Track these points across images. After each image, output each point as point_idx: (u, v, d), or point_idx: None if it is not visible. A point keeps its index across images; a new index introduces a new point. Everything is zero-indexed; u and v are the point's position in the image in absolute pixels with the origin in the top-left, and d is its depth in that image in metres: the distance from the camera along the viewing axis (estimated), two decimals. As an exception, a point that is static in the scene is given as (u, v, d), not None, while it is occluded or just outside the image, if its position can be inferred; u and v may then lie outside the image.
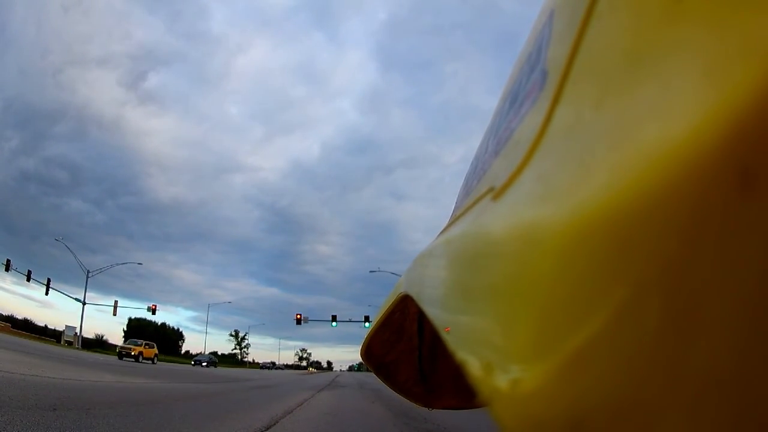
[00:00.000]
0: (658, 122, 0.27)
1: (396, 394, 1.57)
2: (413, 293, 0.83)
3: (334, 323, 34.62)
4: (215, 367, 38.40)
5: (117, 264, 40.60)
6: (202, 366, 35.22)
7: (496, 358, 0.34)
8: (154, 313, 37.86)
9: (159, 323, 66.23)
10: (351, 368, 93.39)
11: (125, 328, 59.97)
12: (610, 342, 0.26)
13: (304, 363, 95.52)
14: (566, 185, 0.33)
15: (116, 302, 37.28)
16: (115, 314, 37.52)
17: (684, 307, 0.24)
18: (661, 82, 0.28)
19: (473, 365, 0.37)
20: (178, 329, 71.45)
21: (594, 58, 0.38)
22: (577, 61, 0.39)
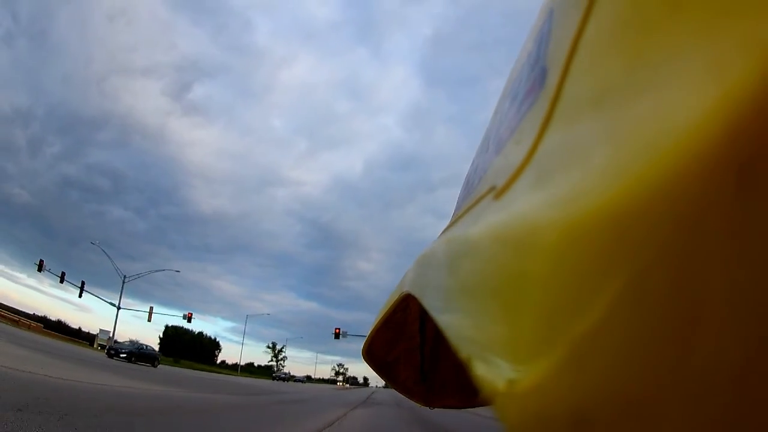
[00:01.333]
0: (657, 120, 0.27)
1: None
2: (415, 292, 0.84)
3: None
4: (153, 365, 24.52)
5: (154, 271, 39.66)
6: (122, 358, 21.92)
7: (499, 355, 0.34)
8: (189, 321, 36.26)
9: (196, 332, 66.58)
10: (387, 385, 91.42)
11: (161, 336, 60.85)
12: (612, 338, 0.27)
13: (340, 378, 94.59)
14: (567, 184, 0.33)
15: (151, 308, 36.01)
16: (150, 320, 35.67)
17: (683, 305, 0.24)
18: (659, 81, 0.28)
19: (476, 363, 0.37)
20: (214, 339, 71.49)
21: (593, 56, 0.38)
22: (576, 59, 0.39)
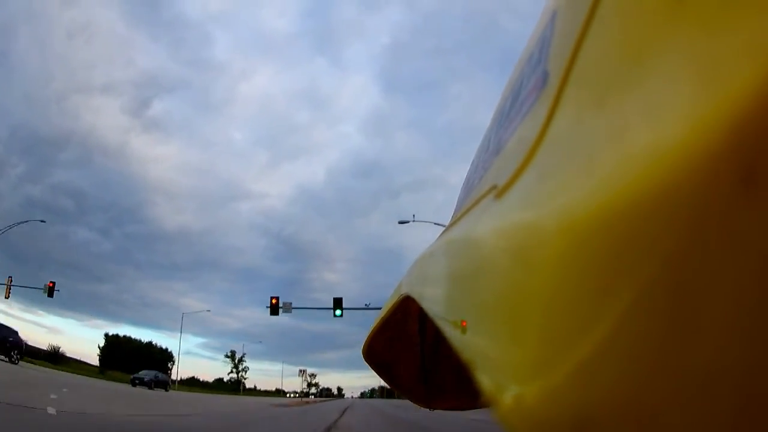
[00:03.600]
0: (659, 122, 0.27)
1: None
2: (415, 294, 0.83)
3: (338, 311, 21.63)
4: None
5: (17, 224, 28.52)
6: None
7: (502, 363, 0.34)
8: (51, 294, 24.42)
9: (144, 342, 57.50)
10: (363, 395, 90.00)
11: (100, 345, 51.41)
12: (617, 344, 0.26)
13: (313, 390, 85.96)
14: (570, 184, 0.33)
15: (10, 279, 24.09)
16: (7, 296, 23.87)
17: (689, 309, 0.24)
18: (662, 83, 0.28)
19: (479, 370, 0.37)
20: (166, 349, 60.05)
21: (596, 58, 0.37)
22: (578, 61, 0.39)
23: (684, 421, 0.24)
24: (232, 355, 67.36)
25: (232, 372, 67.07)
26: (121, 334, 56.35)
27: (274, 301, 22.62)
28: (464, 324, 0.46)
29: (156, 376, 30.19)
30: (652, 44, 0.30)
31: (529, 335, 0.32)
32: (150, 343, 59.09)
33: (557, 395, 0.28)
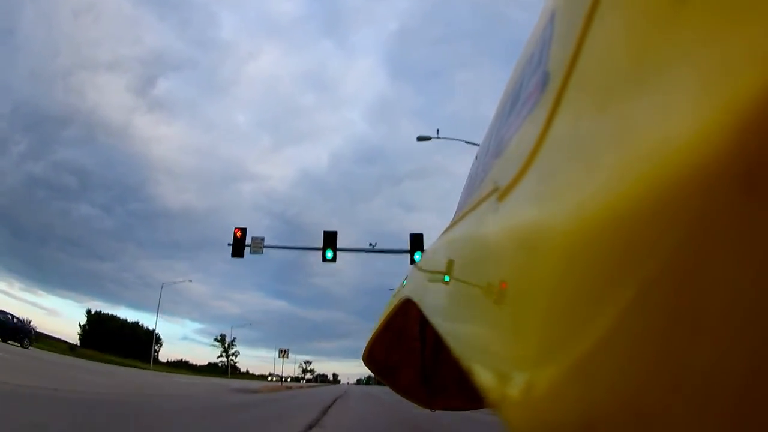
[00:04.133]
0: (660, 124, 0.27)
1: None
2: (415, 298, 0.84)
3: (328, 253, 13.58)
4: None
5: None
6: None
7: (503, 361, 0.34)
8: None
9: (129, 321, 52.93)
10: (359, 381, 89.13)
11: (81, 323, 48.08)
12: (618, 342, 0.26)
13: (308, 376, 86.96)
14: (571, 186, 0.33)
15: None
16: None
17: (690, 308, 0.24)
18: (663, 85, 0.28)
19: (479, 370, 0.37)
20: (154, 331, 53.73)
21: (596, 60, 0.38)
22: (579, 63, 0.39)
23: (686, 417, 0.24)
24: (221, 339, 63.24)
25: (221, 356, 63.53)
26: (111, 313, 53.14)
27: (238, 234, 14.25)
28: (467, 326, 0.46)
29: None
30: (653, 47, 0.30)
31: (532, 335, 0.32)
32: (136, 323, 54.49)
33: (561, 394, 0.28)
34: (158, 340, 54.51)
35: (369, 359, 1.48)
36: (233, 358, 65.40)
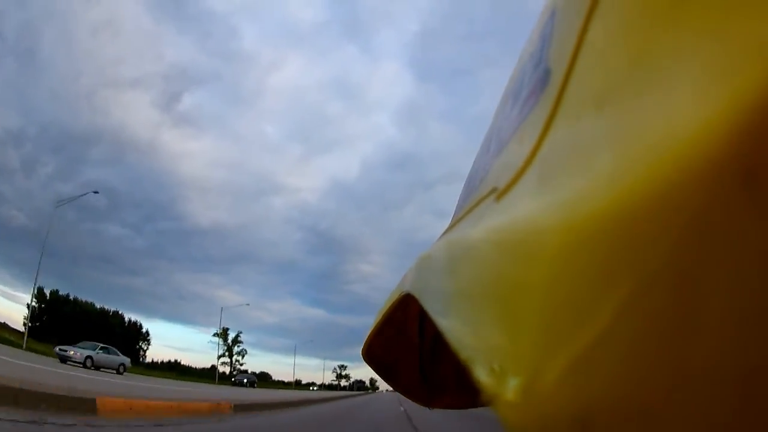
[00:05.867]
0: (661, 122, 0.27)
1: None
2: (415, 292, 0.84)
3: None
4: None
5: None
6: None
7: (500, 362, 0.34)
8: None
9: (100, 308, 40.68)
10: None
11: (29, 303, 32.47)
12: (617, 342, 0.26)
13: (343, 382, 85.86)
14: (571, 185, 0.33)
15: None
16: None
17: (689, 307, 0.24)
18: (664, 82, 0.28)
19: (478, 368, 0.37)
20: (136, 324, 44.97)
21: (597, 57, 0.38)
22: (579, 60, 0.39)
23: (684, 416, 0.25)
24: (223, 334, 50.26)
25: (224, 354, 51.13)
26: (75, 296, 40.92)
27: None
28: (465, 324, 0.46)
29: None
30: (654, 44, 0.30)
31: (530, 335, 0.32)
32: (116, 312, 42.26)
33: (559, 391, 0.29)
34: (146, 338, 46.16)
35: (368, 356, 1.49)
36: (239, 358, 54.49)
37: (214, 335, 51.96)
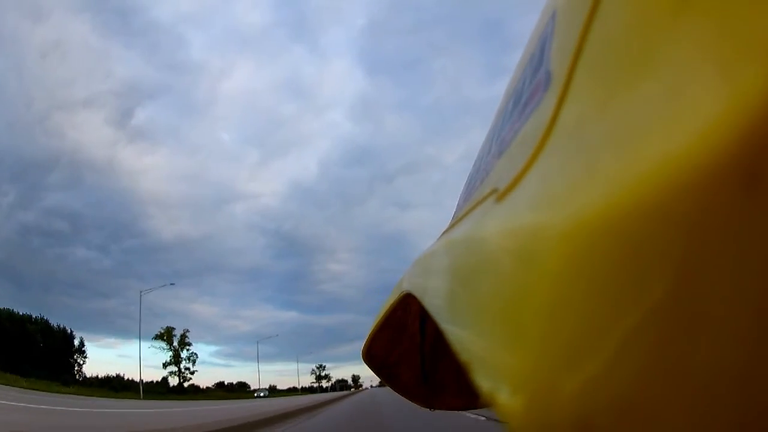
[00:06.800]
0: (664, 123, 0.27)
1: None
2: (416, 292, 0.83)
3: None
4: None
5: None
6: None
7: (501, 363, 0.34)
8: None
9: (21, 314, 31.86)
10: (383, 383, 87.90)
11: None
12: (619, 345, 0.26)
13: (324, 383, 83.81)
14: (572, 187, 0.33)
15: None
16: None
17: (692, 310, 0.24)
18: (667, 83, 0.28)
19: (478, 369, 0.37)
20: (71, 334, 35.92)
21: (599, 58, 0.37)
22: (581, 61, 0.39)
23: (685, 416, 0.25)
24: (167, 335, 39.77)
25: (170, 363, 41.19)
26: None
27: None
28: (465, 326, 0.46)
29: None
30: (657, 43, 0.30)
31: (532, 339, 0.32)
32: (39, 318, 32.73)
33: (560, 393, 0.28)
34: (80, 350, 36.61)
35: (368, 357, 1.48)
36: (190, 367, 43.35)
37: (154, 338, 41.87)
